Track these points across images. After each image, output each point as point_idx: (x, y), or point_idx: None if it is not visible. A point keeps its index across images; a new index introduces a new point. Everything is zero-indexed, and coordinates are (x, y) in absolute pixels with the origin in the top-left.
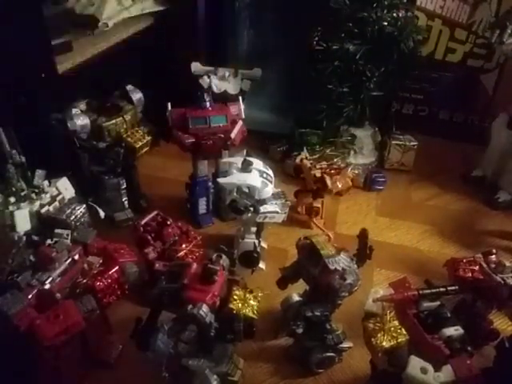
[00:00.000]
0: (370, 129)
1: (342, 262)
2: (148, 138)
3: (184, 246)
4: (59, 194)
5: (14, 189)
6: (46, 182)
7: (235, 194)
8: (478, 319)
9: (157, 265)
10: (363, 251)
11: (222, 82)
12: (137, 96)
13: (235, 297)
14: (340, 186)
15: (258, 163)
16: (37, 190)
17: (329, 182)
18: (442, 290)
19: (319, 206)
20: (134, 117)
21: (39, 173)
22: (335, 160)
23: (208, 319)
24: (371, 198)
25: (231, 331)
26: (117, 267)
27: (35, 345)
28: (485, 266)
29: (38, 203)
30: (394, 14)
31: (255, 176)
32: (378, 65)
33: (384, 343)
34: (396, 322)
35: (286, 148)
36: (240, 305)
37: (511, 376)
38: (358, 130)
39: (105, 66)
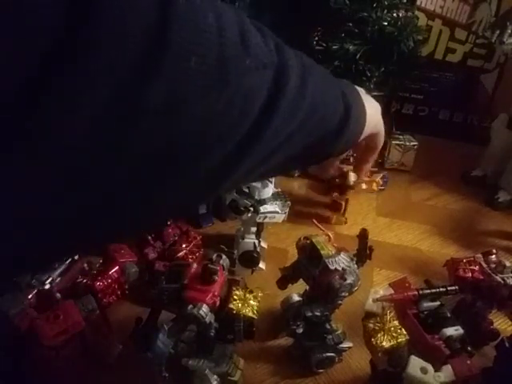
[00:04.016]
0: None
1: (342, 261)
2: None
3: (184, 246)
4: None
5: None
6: None
7: (235, 194)
8: (478, 319)
9: (157, 265)
10: (363, 251)
11: None
12: None
13: (235, 297)
14: (363, 186)
15: None
16: None
17: (351, 178)
18: (442, 290)
19: (342, 202)
20: None
21: None
22: None
23: (208, 319)
24: (371, 198)
25: (231, 331)
26: (117, 267)
27: (35, 345)
28: (485, 265)
29: None
30: (394, 14)
31: None
32: (378, 65)
33: (384, 343)
34: (396, 322)
35: None
36: (240, 305)
37: (511, 376)
38: None
39: None
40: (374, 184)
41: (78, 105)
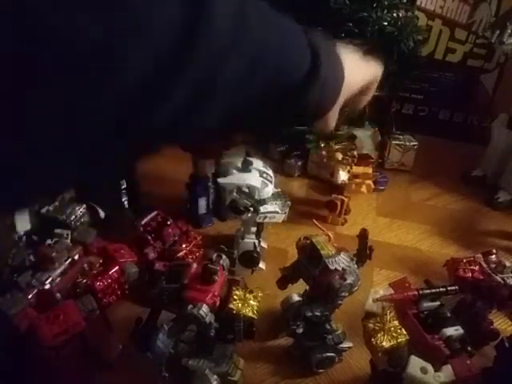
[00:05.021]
0: (370, 129)
1: (342, 261)
2: None
3: (184, 246)
4: None
5: None
6: None
7: (235, 194)
8: (478, 319)
9: (157, 265)
10: (363, 251)
11: None
12: None
13: (235, 297)
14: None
15: (257, 163)
16: None
17: (340, 177)
18: (442, 289)
19: (338, 202)
20: None
21: None
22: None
23: (208, 319)
24: (371, 198)
25: (231, 331)
26: (117, 267)
27: (35, 345)
28: (485, 265)
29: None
30: (394, 14)
31: (255, 176)
32: None
33: (384, 343)
34: (396, 322)
35: (286, 148)
36: (240, 305)
37: (511, 376)
38: (358, 130)
39: None
40: (364, 187)
41: None
